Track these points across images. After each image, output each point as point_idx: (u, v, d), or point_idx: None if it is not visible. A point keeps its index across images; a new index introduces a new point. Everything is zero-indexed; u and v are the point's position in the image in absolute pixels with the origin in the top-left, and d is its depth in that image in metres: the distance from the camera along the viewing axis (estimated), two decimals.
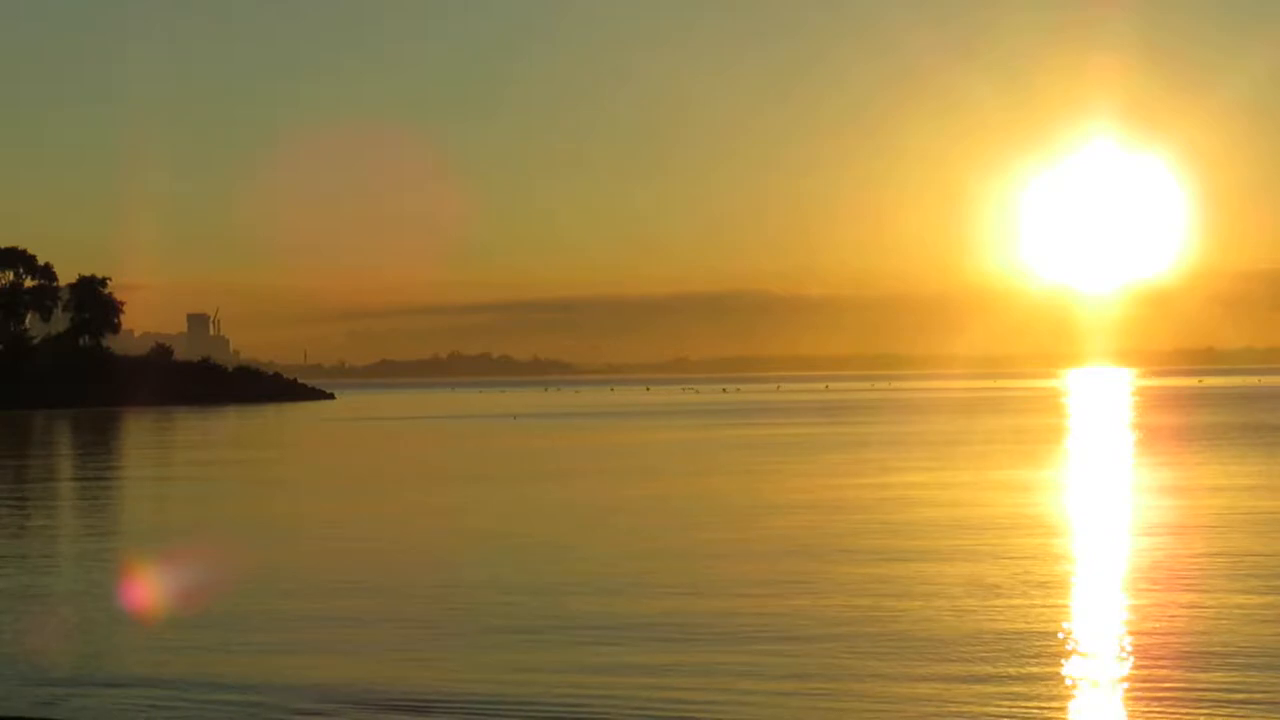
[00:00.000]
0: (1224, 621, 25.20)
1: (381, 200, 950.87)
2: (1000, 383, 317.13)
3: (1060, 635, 24.13)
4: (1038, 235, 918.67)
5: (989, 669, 21.55)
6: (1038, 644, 23.28)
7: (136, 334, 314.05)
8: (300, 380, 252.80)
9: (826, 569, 32.64)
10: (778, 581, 30.72)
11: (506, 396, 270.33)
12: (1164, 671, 21.25)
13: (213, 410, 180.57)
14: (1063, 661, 22.08)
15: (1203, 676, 20.90)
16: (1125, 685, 20.54)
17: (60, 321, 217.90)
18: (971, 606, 26.94)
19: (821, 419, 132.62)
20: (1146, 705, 19.39)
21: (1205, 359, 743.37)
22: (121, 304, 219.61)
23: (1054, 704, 19.53)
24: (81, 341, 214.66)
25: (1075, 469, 65.40)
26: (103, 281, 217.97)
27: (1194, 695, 19.81)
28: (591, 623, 26.22)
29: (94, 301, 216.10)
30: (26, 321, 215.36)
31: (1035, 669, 21.51)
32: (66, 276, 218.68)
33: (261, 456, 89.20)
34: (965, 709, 19.27)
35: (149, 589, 31.15)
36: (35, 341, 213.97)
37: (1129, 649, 23.00)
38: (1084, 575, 31.83)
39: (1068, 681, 20.80)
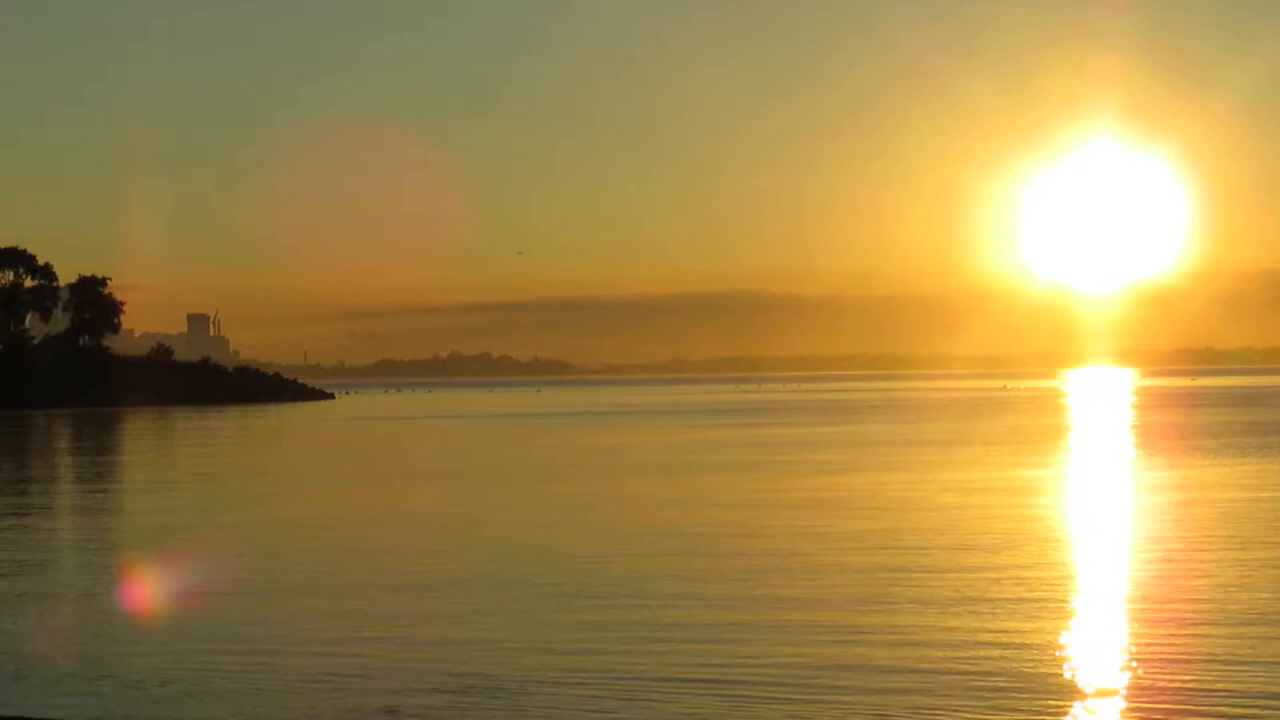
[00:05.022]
0: (1227, 621, 25.18)
1: (381, 200, 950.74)
2: (1000, 382, 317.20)
3: (1059, 637, 24.12)
4: (1038, 235, 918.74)
5: (989, 669, 21.53)
6: (1038, 644, 23.28)
7: (136, 334, 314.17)
8: (300, 380, 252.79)
9: (828, 568, 32.64)
10: (776, 577, 30.75)
11: (496, 396, 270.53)
12: (1166, 673, 21.22)
13: (213, 410, 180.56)
14: (1063, 662, 22.07)
15: (1206, 677, 20.88)
16: (1126, 687, 20.51)
17: (60, 321, 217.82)
18: (972, 606, 26.93)
19: (820, 420, 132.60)
20: (1148, 707, 19.36)
21: (1205, 359, 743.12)
22: (121, 304, 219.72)
23: (1054, 702, 19.51)
24: (81, 341, 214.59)
25: (1076, 468, 65.35)
26: (103, 281, 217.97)
27: (1196, 697, 19.79)
28: (600, 623, 26.22)
29: (94, 301, 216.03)
30: (26, 321, 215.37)
31: (1035, 669, 21.50)
32: (66, 276, 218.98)
33: (262, 456, 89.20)
34: (965, 708, 19.25)
35: (149, 589, 31.11)
36: (35, 341, 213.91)
37: (1130, 649, 22.99)
38: (1085, 575, 31.82)
39: (1068, 681, 20.79)
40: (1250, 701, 19.47)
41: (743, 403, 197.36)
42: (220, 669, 22.68)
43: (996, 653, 22.67)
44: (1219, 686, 20.24)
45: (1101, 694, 20.08)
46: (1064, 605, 27.22)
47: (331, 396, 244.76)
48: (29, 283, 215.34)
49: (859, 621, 25.74)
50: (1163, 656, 22.28)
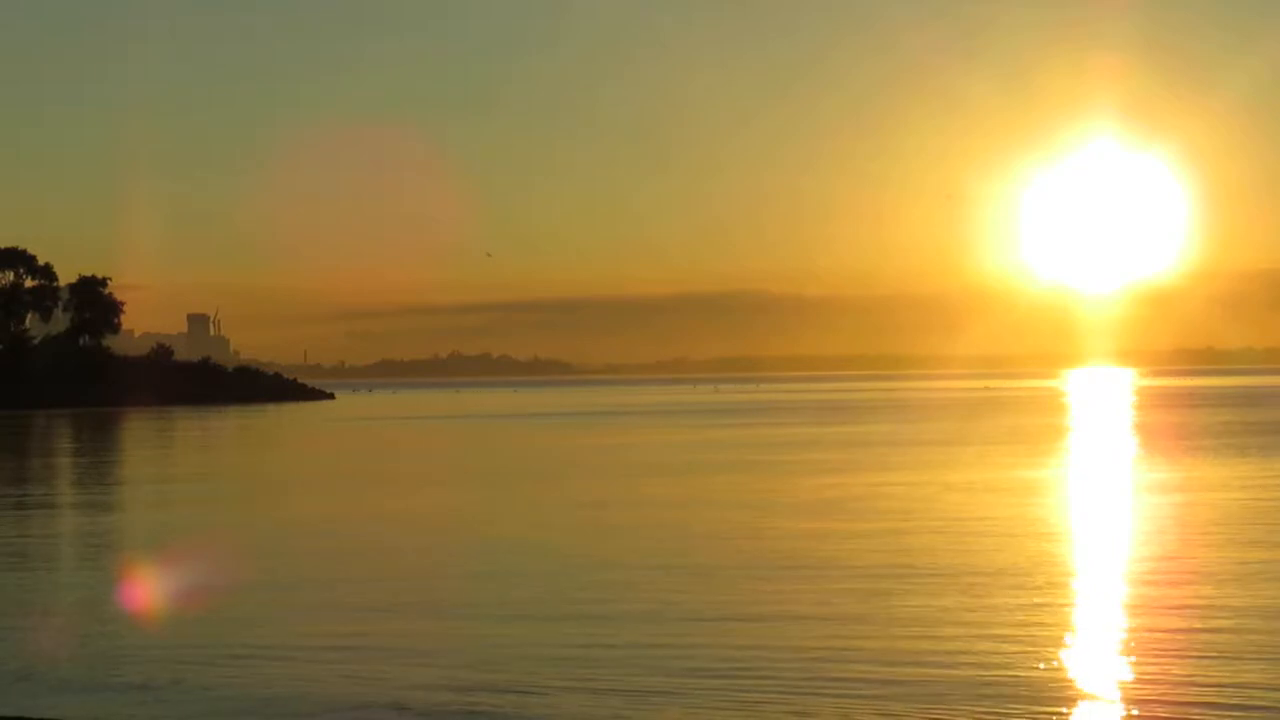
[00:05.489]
0: (1228, 622, 25.22)
1: (381, 200, 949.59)
2: (1001, 382, 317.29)
3: (1061, 635, 24.17)
4: (1038, 235, 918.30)
5: (988, 668, 21.57)
6: (1037, 643, 23.32)
7: (136, 334, 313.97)
8: (300, 380, 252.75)
9: (832, 568, 32.68)
10: (780, 576, 30.79)
11: (498, 396, 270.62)
12: (1166, 674, 21.27)
13: (213, 410, 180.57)
14: (1062, 662, 22.12)
15: (1205, 678, 20.92)
16: (1126, 687, 20.56)
17: (60, 321, 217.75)
18: (976, 605, 26.98)
19: (819, 420, 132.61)
20: (1147, 707, 19.40)
21: (1205, 359, 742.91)
22: (121, 304, 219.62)
23: (1053, 703, 19.56)
24: (81, 341, 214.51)
25: (1077, 469, 65.38)
26: (103, 281, 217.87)
27: (1195, 698, 19.84)
28: (606, 622, 26.27)
29: (94, 301, 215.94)
30: (26, 321, 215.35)
31: (1034, 668, 21.54)
32: (66, 276, 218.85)
33: (262, 457, 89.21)
34: (970, 705, 19.29)
35: (149, 589, 31.13)
36: (35, 341, 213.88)
37: (1130, 650, 23.04)
38: (1085, 575, 31.88)
39: (1067, 681, 20.84)
40: (1252, 697, 19.51)
41: (742, 403, 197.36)
42: (225, 668, 22.71)
43: (1001, 650, 22.71)
44: (1221, 683, 20.29)
45: (1103, 691, 20.13)
46: (1067, 604, 27.28)
47: (331, 396, 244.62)
48: (29, 283, 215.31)
49: (864, 621, 25.78)
50: (1165, 654, 22.32)
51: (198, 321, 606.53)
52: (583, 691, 20.67)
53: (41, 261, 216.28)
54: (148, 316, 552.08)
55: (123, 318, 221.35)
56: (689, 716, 19.34)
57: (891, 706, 19.42)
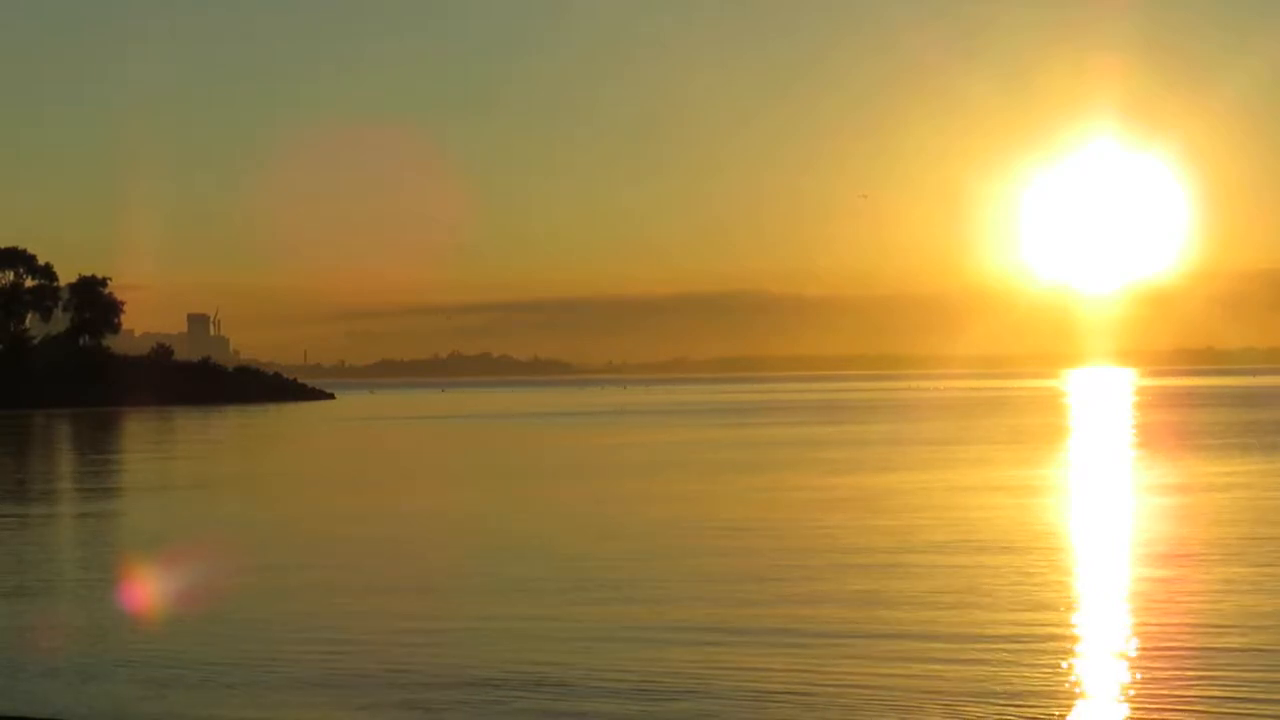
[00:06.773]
0: (1228, 620, 25.19)
1: (381, 200, 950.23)
2: (1001, 382, 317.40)
3: (1060, 635, 24.16)
4: (1038, 235, 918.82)
5: (988, 667, 21.55)
6: (1037, 643, 23.29)
7: (136, 334, 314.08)
8: (300, 380, 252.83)
9: (827, 568, 32.66)
10: (777, 580, 30.77)
11: (499, 396, 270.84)
12: (1165, 673, 21.24)
13: (213, 410, 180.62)
14: (1062, 662, 22.09)
15: (1205, 677, 20.89)
16: (1125, 687, 20.53)
17: (60, 321, 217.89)
18: (973, 605, 26.96)
19: (819, 419, 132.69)
20: (1147, 707, 19.38)
21: (1205, 359, 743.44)
22: (121, 304, 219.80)
23: (1053, 703, 19.53)
24: (81, 341, 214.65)
25: (1080, 468, 65.36)
26: (103, 281, 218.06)
27: (1195, 697, 19.81)
28: (614, 621, 26.25)
29: (94, 301, 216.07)
30: (26, 321, 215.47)
31: (1033, 668, 21.51)
32: (66, 276, 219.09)
33: (263, 456, 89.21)
34: (965, 707, 19.26)
35: (149, 588, 31.10)
36: (35, 341, 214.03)
37: (1130, 650, 23.01)
38: (1085, 576, 31.87)
39: (1066, 681, 20.81)
40: (1256, 697, 19.48)
41: (742, 403, 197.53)
42: (237, 665, 22.71)
43: (1005, 649, 22.70)
44: (1226, 683, 20.27)
45: (1107, 691, 20.10)
46: (1071, 603, 27.27)
47: (331, 396, 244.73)
48: (29, 283, 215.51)
49: (870, 617, 25.77)
50: (1169, 654, 22.31)
51: (198, 321, 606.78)
52: (599, 673, 20.64)
53: (41, 261, 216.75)
54: (148, 316, 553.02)
55: (123, 318, 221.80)
56: (695, 708, 19.30)
57: (896, 702, 19.39)
